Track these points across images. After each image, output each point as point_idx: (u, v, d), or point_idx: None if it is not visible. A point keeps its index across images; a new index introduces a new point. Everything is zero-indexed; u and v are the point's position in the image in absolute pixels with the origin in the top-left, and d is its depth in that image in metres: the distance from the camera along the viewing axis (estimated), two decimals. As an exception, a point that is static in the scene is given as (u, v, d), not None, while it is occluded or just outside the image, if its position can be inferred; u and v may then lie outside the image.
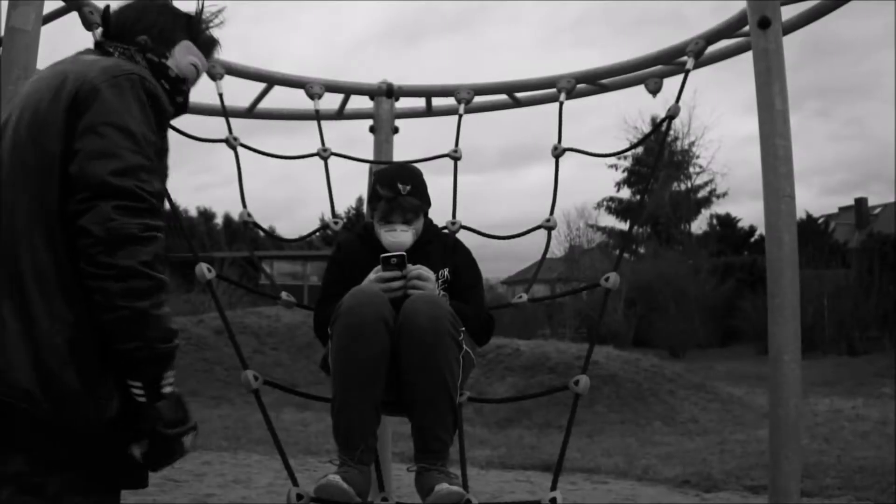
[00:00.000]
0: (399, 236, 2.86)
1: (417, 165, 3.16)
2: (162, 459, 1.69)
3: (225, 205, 48.72)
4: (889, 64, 48.00)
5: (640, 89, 4.25)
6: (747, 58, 3.52)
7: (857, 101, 58.00)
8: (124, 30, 1.90)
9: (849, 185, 60.62)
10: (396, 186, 2.85)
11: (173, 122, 2.39)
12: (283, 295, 3.46)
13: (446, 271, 2.94)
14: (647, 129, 34.80)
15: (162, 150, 1.75)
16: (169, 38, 1.91)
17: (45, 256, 1.58)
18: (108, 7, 1.93)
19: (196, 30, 1.97)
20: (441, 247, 3.02)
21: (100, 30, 1.95)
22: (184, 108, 1.98)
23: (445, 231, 3.26)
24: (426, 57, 66.53)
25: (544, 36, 61.18)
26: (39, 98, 1.67)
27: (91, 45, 1.94)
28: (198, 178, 63.01)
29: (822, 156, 57.24)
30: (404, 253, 2.73)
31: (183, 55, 1.92)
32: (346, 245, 3.07)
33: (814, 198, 57.71)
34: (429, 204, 2.99)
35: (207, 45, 2.01)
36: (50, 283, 1.58)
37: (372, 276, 2.75)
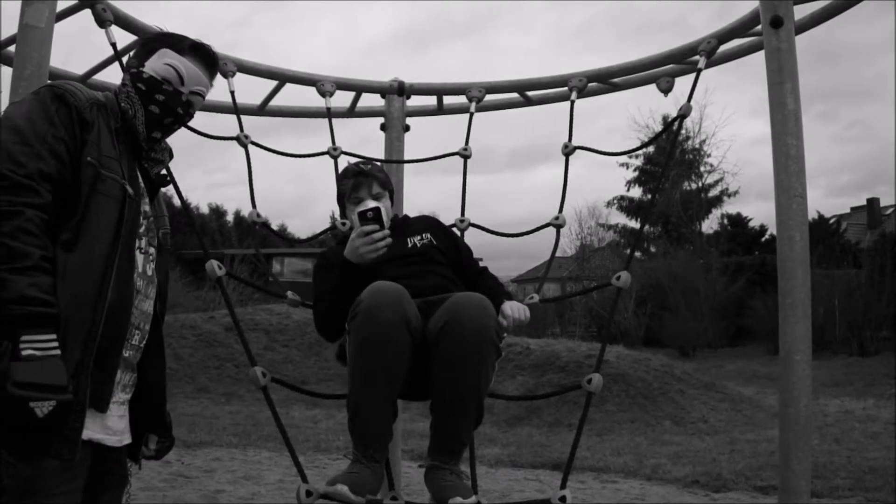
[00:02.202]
0: (371, 204, 2.90)
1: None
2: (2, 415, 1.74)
3: (236, 202, 48.96)
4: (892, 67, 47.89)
5: (652, 88, 4.24)
6: (754, 60, 3.51)
7: (861, 104, 58.10)
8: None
9: (855, 186, 60.48)
10: (359, 167, 3.09)
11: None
12: (289, 294, 3.44)
13: (428, 234, 3.07)
14: (658, 128, 34.75)
15: (75, 137, 1.94)
16: (146, 52, 2.19)
17: None
18: None
19: (172, 40, 2.21)
20: (414, 221, 3.22)
21: (113, 27, 2.02)
22: (170, 104, 2.16)
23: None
24: (436, 61, 66.76)
25: (552, 41, 61.22)
26: None
27: (104, 41, 2.05)
28: (210, 176, 63.40)
29: (827, 157, 57.30)
30: (379, 205, 2.77)
31: (157, 60, 2.17)
32: (332, 253, 3.08)
33: (820, 198, 57.69)
34: (392, 186, 3.16)
35: (191, 50, 2.21)
36: None
37: (353, 234, 2.74)
